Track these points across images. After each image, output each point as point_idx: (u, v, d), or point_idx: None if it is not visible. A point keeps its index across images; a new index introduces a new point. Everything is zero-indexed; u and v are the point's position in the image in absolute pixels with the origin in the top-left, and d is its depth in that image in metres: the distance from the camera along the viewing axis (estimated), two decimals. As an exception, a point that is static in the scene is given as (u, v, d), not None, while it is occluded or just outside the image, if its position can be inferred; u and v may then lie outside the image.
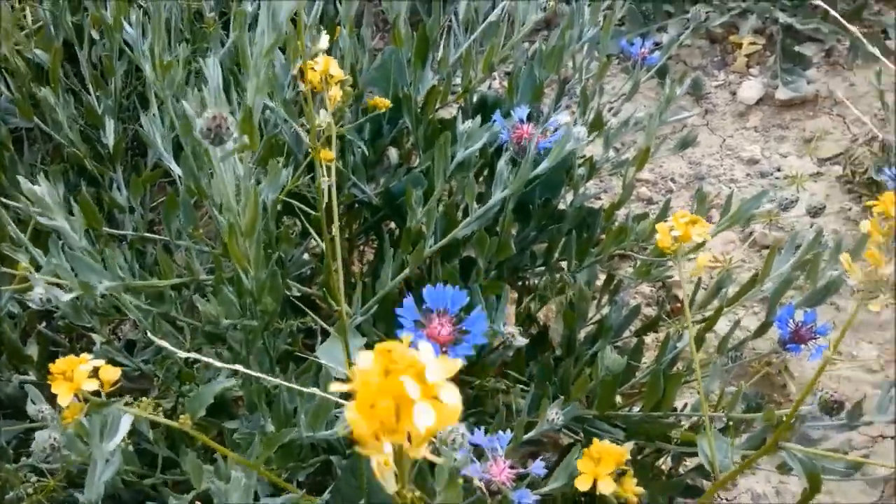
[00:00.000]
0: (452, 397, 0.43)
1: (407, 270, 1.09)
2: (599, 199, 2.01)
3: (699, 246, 1.49)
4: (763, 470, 1.51)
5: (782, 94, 2.05)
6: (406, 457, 0.45)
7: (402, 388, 0.42)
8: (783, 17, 2.11)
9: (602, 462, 0.67)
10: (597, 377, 1.11)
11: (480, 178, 1.54)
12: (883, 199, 0.72)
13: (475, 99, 1.61)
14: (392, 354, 0.44)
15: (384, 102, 1.12)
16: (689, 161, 2.04)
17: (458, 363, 0.45)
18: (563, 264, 1.50)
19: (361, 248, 1.66)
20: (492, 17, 1.48)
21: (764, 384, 1.62)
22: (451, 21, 1.60)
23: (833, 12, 1.58)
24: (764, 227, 1.82)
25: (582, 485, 0.68)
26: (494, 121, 1.11)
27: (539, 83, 1.50)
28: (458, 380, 1.42)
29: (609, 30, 1.49)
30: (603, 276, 1.60)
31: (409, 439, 0.44)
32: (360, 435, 0.42)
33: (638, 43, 1.72)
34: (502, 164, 1.05)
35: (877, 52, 1.40)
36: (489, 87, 1.96)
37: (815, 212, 1.45)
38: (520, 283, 1.63)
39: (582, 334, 1.45)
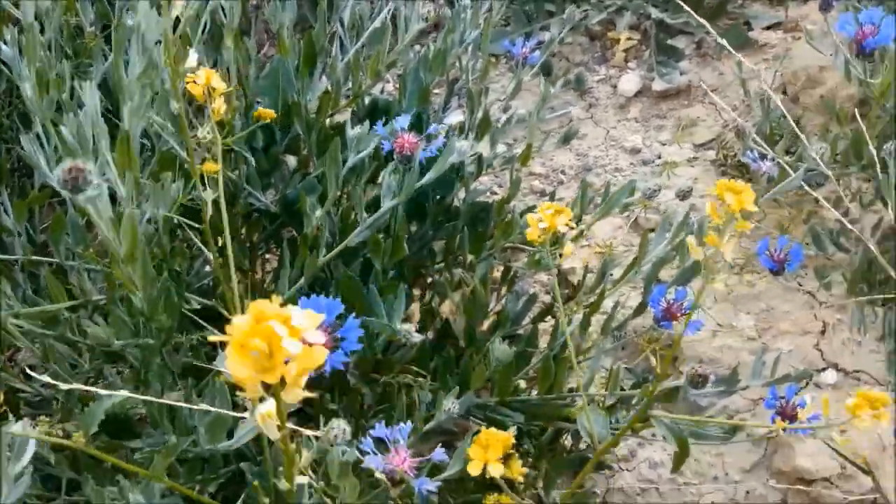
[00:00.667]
0: (317, 338, 0.48)
1: (304, 277, 1.12)
2: (495, 193, 2.08)
3: (579, 235, 1.56)
4: (659, 441, 1.60)
5: (658, 85, 2.17)
6: (282, 401, 0.49)
7: (271, 331, 0.47)
8: (655, 13, 2.23)
9: (490, 448, 0.72)
10: (490, 367, 1.17)
11: (378, 181, 1.58)
12: (718, 185, 0.80)
13: (366, 103, 1.65)
14: (263, 309, 0.48)
15: (269, 113, 1.14)
16: (577, 153, 2.13)
17: (321, 316, 0.49)
18: (461, 259, 1.55)
19: (264, 256, 1.67)
20: (376, 24, 1.52)
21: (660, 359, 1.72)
22: (337, 28, 1.63)
23: (689, 10, 1.69)
24: (645, 212, 1.93)
25: (473, 470, 0.73)
26: (376, 130, 1.15)
27: (425, 86, 1.55)
28: (367, 377, 1.45)
29: (489, 32, 1.55)
30: (501, 268, 1.67)
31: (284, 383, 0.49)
32: (238, 378, 0.46)
33: (520, 43, 1.79)
34: (388, 175, 1.09)
35: (725, 44, 1.51)
36: (382, 91, 2.00)
37: (683, 195, 1.56)
38: (427, 280, 1.68)
39: (485, 325, 1.51)
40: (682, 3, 1.66)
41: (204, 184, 0.87)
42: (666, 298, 1.20)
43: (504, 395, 1.27)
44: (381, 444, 0.90)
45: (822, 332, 1.62)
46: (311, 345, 0.48)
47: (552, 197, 1.71)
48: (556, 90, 1.51)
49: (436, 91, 1.87)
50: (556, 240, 1.57)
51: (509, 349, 1.17)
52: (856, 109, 1.50)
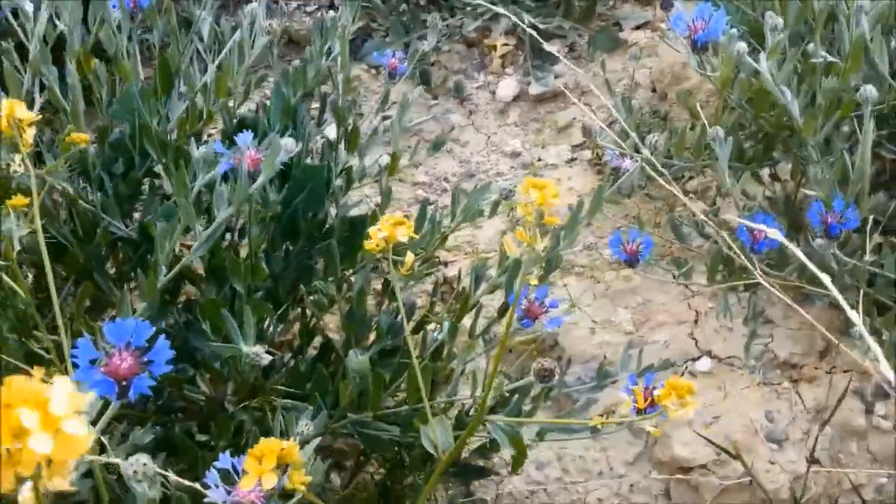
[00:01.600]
0: (78, 429, 0.45)
1: (145, 304, 1.08)
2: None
3: (442, 242, 1.56)
4: (545, 441, 1.62)
5: (534, 89, 2.21)
6: (42, 488, 0.45)
7: (19, 423, 0.43)
8: (528, 18, 2.26)
9: (265, 459, 0.70)
10: (354, 382, 1.16)
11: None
12: (525, 182, 0.80)
13: (235, 121, 1.62)
14: (12, 388, 0.44)
15: (81, 137, 1.10)
16: (460, 160, 2.14)
17: (86, 397, 0.46)
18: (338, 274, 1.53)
19: (133, 286, 1.61)
20: (230, 44, 1.48)
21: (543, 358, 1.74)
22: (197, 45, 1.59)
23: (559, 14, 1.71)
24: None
25: (246, 485, 0.70)
26: (216, 150, 1.12)
27: (288, 102, 1.53)
28: (243, 404, 1.41)
29: (346, 44, 1.54)
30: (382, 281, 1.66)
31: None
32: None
33: (389, 53, 1.79)
34: (219, 185, 1.07)
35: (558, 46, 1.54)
36: (250, 110, 1.96)
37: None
38: (309, 297, 1.65)
39: (370, 339, 1.49)
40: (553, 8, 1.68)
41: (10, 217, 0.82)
42: (528, 298, 1.20)
43: (376, 410, 1.25)
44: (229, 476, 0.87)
45: (696, 322, 1.67)
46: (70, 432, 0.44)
47: (423, 209, 1.70)
48: (412, 97, 1.50)
49: (315, 105, 1.85)
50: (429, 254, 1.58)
51: (364, 361, 1.15)
52: (718, 103, 1.55)
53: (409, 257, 0.91)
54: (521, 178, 2.09)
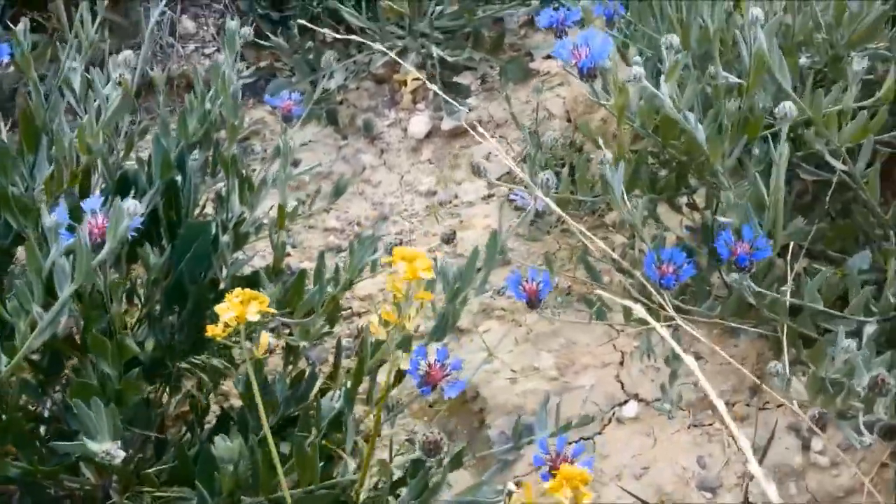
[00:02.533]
0: None
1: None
2: (289, 255, 1.95)
3: (333, 307, 1.44)
4: None
5: (447, 124, 2.12)
6: None
7: None
8: (437, 51, 2.19)
9: None
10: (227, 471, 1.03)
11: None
12: (394, 252, 0.70)
13: (118, 176, 1.49)
14: None
15: None
16: (373, 202, 2.04)
17: None
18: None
19: None
20: (105, 91, 1.36)
21: (463, 414, 1.63)
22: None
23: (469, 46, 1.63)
24: (443, 258, 1.85)
25: None
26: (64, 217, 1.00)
27: (166, 154, 1.41)
28: (127, 493, 1.24)
29: (227, 90, 1.42)
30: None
31: None
32: None
33: (284, 95, 1.69)
34: (59, 257, 0.94)
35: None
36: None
37: (447, 238, 1.49)
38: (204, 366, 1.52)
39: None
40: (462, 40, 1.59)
41: None
42: (427, 361, 1.10)
43: (267, 493, 1.13)
44: None
45: (622, 363, 1.58)
46: None
47: (319, 264, 1.59)
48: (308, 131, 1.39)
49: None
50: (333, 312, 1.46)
51: (235, 447, 1.03)
52: (621, 132, 1.48)
53: (264, 339, 0.79)
54: (439, 217, 1.99)
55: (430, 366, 1.09)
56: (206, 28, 2.36)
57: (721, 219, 1.27)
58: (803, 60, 1.61)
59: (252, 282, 1.46)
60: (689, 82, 1.26)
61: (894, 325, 1.27)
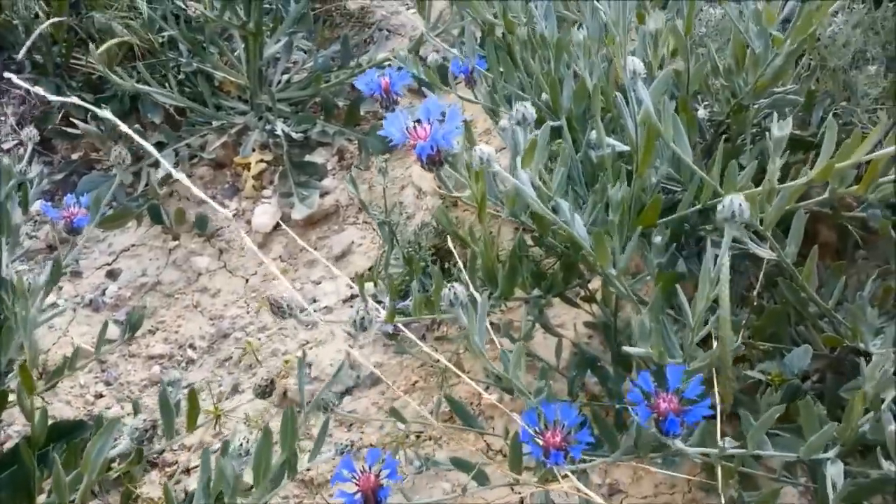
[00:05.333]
0: None
1: None
2: (102, 396, 1.54)
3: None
4: None
5: (299, 212, 1.77)
6: None
7: None
8: (283, 127, 1.85)
9: None
10: None
11: None
12: None
13: None
14: None
15: None
16: (210, 316, 1.66)
17: None
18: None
19: None
20: None
21: None
22: None
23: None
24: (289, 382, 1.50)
25: None
26: None
27: None
28: None
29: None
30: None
31: None
32: None
33: (69, 201, 1.34)
34: None
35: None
36: None
37: (263, 391, 1.13)
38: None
39: None
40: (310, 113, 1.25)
41: None
42: None
43: None
44: None
45: (521, 509, 1.24)
46: None
47: (97, 424, 1.20)
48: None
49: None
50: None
51: None
52: (483, 228, 1.15)
53: None
54: (292, 332, 1.63)
55: None
56: (2, 119, 1.96)
57: (630, 350, 0.95)
58: (701, 113, 1.35)
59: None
60: (560, 159, 0.95)
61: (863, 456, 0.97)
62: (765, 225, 0.95)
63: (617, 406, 1.21)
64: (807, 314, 1.26)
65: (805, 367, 1.14)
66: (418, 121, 0.88)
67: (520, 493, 1.25)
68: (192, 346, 1.60)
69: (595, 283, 1.34)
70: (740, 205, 0.79)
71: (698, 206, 1.04)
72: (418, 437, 1.39)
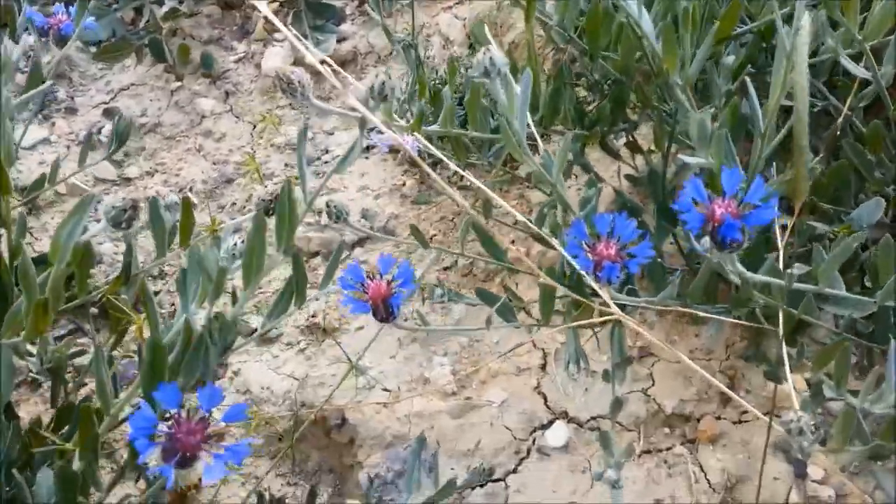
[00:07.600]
0: None
1: None
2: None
3: None
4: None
5: (313, 58, 1.62)
6: None
7: None
8: (300, -36, 1.68)
9: None
10: None
11: None
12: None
13: None
14: None
15: None
16: (214, 161, 1.54)
17: None
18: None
19: None
20: None
21: (330, 449, 1.17)
22: None
23: None
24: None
25: None
26: None
27: None
28: None
29: None
30: None
31: None
32: None
33: (58, 10, 1.21)
34: None
35: None
36: None
37: (267, 208, 1.01)
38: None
39: None
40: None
41: None
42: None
43: None
44: None
45: (543, 367, 1.14)
46: None
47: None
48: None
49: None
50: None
51: None
52: (528, 41, 1.01)
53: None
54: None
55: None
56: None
57: (685, 158, 0.83)
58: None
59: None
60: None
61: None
62: (864, 34, 0.81)
63: (658, 260, 1.09)
64: (871, 179, 1.13)
65: (875, 222, 1.02)
66: None
67: (542, 348, 1.15)
68: (192, 190, 1.49)
69: (641, 134, 1.21)
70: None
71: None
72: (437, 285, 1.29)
